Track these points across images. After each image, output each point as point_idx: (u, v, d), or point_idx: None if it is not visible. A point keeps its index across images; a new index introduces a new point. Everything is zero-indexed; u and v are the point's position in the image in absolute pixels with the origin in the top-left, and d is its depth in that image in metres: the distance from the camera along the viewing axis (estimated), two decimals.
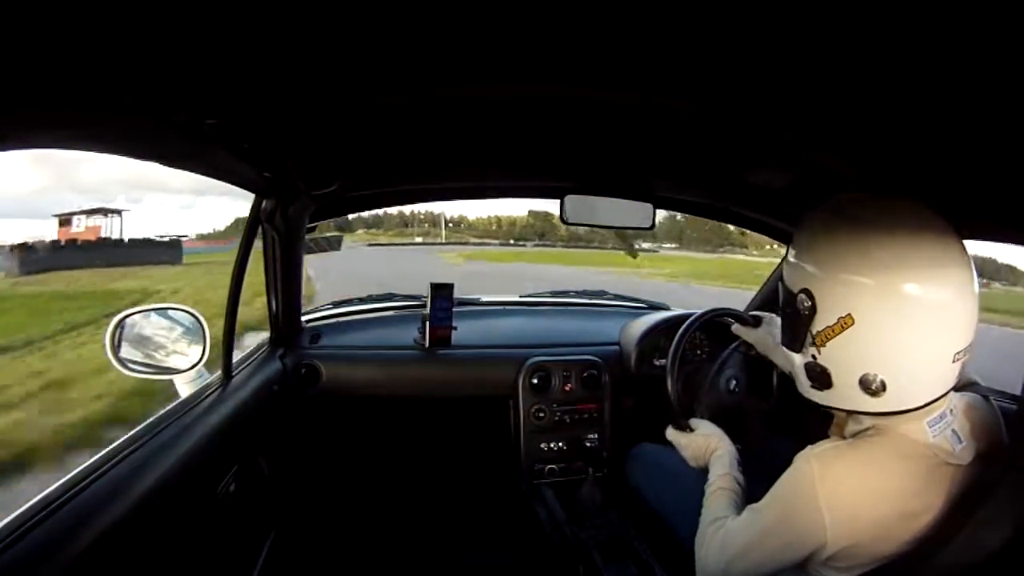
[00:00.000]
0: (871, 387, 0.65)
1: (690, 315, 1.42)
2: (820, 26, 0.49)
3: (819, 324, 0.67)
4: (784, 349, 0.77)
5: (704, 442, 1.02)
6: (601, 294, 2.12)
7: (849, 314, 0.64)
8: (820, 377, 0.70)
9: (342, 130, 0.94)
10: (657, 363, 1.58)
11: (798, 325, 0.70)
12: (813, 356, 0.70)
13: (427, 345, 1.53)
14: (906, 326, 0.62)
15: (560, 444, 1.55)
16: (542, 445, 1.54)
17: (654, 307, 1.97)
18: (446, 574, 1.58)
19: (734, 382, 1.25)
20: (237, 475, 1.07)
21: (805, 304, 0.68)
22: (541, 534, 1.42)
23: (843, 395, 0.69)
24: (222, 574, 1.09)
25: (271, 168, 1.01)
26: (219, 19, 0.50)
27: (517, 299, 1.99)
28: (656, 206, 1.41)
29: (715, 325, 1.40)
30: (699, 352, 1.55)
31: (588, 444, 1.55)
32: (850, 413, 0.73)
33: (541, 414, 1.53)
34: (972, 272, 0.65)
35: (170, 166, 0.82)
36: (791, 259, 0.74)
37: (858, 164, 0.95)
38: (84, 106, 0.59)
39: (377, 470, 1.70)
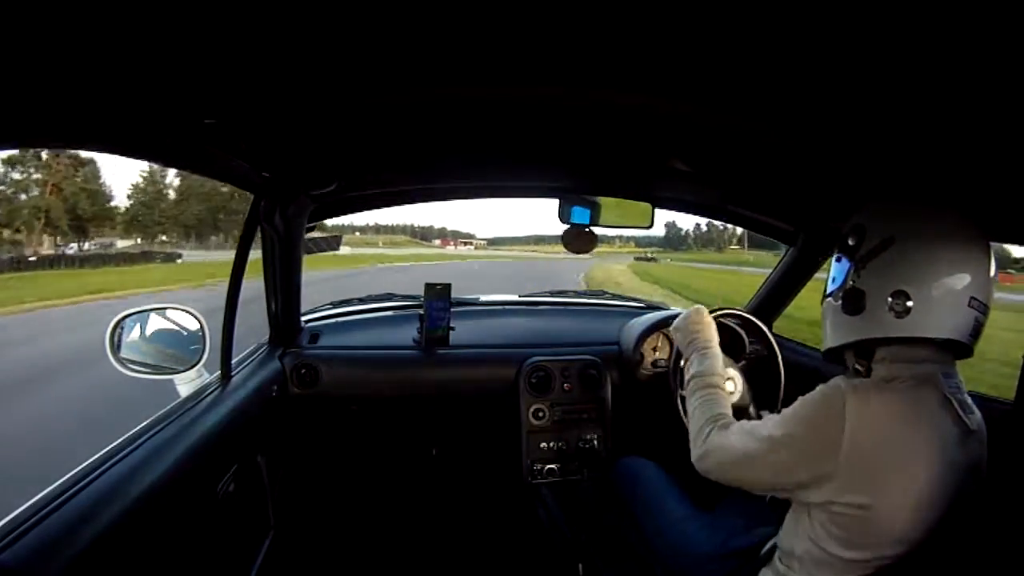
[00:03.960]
0: (899, 305, 0.72)
1: None
2: (824, 26, 0.48)
3: (864, 249, 0.77)
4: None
5: (702, 331, 1.09)
6: (600, 294, 2.12)
7: (892, 236, 0.73)
8: (855, 301, 0.76)
9: (341, 129, 0.94)
10: (657, 363, 1.58)
11: (843, 259, 0.80)
12: (852, 282, 0.77)
13: (423, 345, 1.53)
14: (934, 251, 0.72)
15: (559, 444, 1.55)
16: (542, 445, 1.54)
17: (653, 307, 1.97)
18: (445, 574, 1.58)
19: (731, 385, 1.26)
20: (236, 475, 1.07)
21: (853, 239, 0.79)
22: (541, 534, 1.41)
23: (872, 318, 0.75)
24: (221, 573, 1.09)
25: (270, 168, 1.01)
26: (217, 19, 0.50)
27: (516, 299, 1.99)
28: (656, 206, 1.41)
29: (716, 324, 1.40)
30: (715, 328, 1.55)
31: (587, 444, 1.55)
32: (873, 346, 0.76)
33: (540, 414, 1.53)
34: (991, 264, 0.73)
35: (168, 166, 0.83)
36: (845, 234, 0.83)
37: (858, 164, 0.95)
38: (82, 106, 0.59)
39: (376, 470, 1.70)
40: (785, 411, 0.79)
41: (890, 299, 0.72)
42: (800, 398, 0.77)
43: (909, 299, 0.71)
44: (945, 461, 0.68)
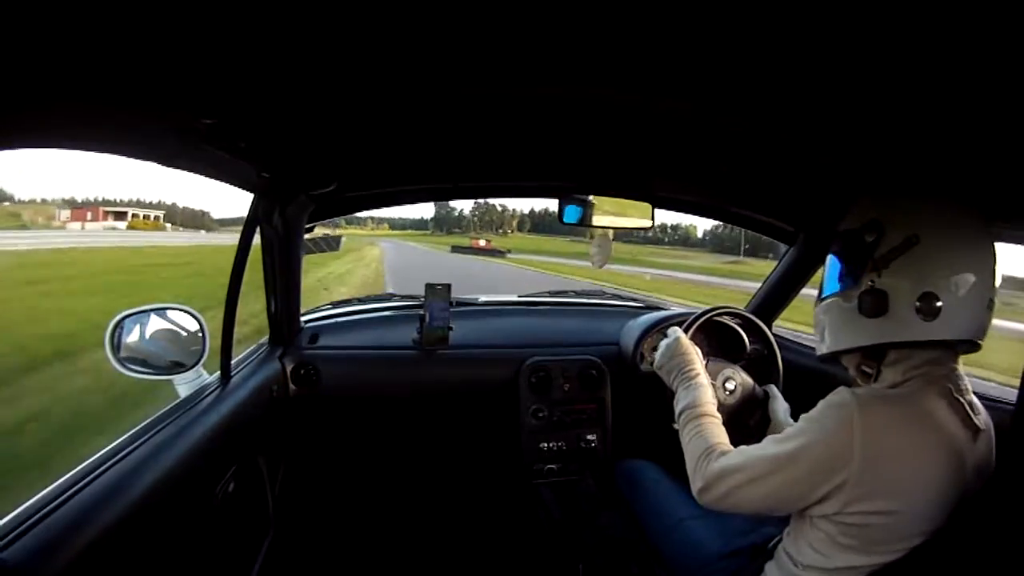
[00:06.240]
0: (929, 307, 0.68)
1: (690, 314, 1.42)
2: (821, 25, 0.48)
3: (884, 247, 0.72)
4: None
5: (683, 358, 1.04)
6: (600, 293, 2.12)
7: (917, 234, 0.70)
8: (876, 303, 0.72)
9: (340, 129, 0.94)
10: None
11: (858, 257, 0.76)
12: (871, 282, 0.73)
13: (423, 345, 1.53)
14: (958, 250, 0.70)
15: (559, 444, 1.55)
16: (541, 445, 1.54)
17: (653, 307, 1.97)
18: (445, 574, 1.58)
19: (732, 383, 1.25)
20: (236, 475, 1.07)
21: (869, 236, 0.74)
22: (541, 534, 1.42)
23: (896, 321, 0.71)
24: (221, 573, 1.09)
25: (269, 168, 1.01)
26: (217, 19, 0.50)
27: (515, 299, 1.99)
28: (656, 206, 1.41)
29: (715, 324, 1.40)
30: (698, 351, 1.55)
31: (587, 444, 1.55)
32: (895, 347, 0.74)
33: (540, 414, 1.53)
34: (995, 254, 0.72)
35: (168, 166, 0.82)
36: (847, 225, 0.80)
37: (857, 164, 0.95)
38: (82, 106, 0.59)
39: (375, 470, 1.70)
40: (789, 429, 0.76)
41: (919, 302, 0.69)
42: (803, 416, 0.75)
43: (938, 300, 0.68)
44: (956, 464, 0.68)
